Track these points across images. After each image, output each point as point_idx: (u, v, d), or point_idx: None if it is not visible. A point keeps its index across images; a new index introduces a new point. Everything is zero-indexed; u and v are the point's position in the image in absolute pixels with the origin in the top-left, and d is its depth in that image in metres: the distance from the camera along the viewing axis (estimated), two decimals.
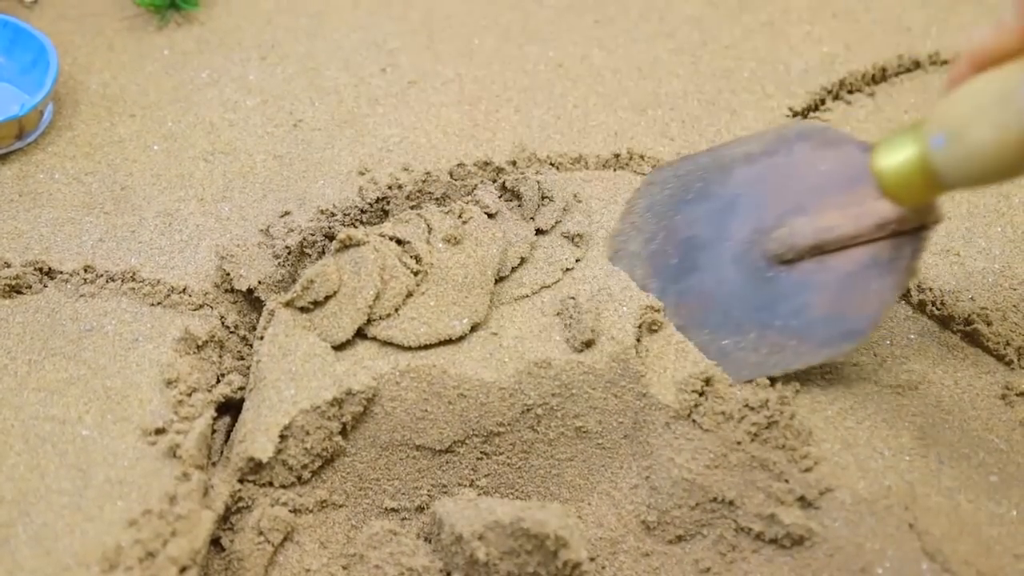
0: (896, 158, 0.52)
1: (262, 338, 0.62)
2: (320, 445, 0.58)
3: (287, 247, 0.68)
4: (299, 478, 0.59)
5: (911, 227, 0.56)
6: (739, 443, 0.56)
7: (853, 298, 0.58)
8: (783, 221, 0.60)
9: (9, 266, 0.67)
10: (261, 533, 0.57)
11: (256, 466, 0.58)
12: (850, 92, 0.83)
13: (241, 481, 0.58)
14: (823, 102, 0.82)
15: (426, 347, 0.61)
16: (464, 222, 0.66)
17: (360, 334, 0.61)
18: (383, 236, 0.64)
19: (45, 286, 0.67)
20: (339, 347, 0.61)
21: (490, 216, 0.67)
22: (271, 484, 0.58)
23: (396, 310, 0.62)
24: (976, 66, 0.50)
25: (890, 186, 0.53)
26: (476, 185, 0.71)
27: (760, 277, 0.61)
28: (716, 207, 0.63)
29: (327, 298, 0.62)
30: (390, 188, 0.73)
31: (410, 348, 0.60)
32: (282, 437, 0.58)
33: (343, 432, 0.59)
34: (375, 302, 0.61)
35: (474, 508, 0.55)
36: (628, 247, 0.66)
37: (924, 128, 0.51)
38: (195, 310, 0.66)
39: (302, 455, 0.58)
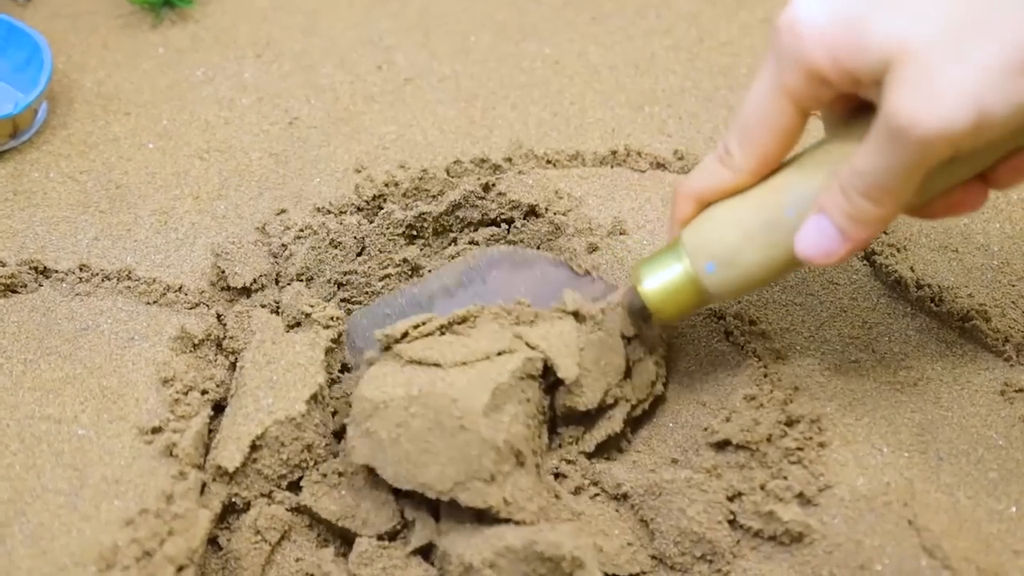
0: (664, 282, 0.56)
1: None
2: (298, 457, 0.58)
3: (283, 245, 0.68)
4: (279, 487, 0.58)
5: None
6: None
7: None
8: None
9: (4, 265, 0.67)
10: (258, 532, 0.56)
11: (225, 474, 0.57)
12: None
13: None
14: None
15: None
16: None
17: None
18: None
19: (40, 285, 0.67)
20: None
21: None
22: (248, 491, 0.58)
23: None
24: (703, 203, 0.54)
25: (658, 306, 0.56)
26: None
27: None
28: None
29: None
30: (386, 186, 0.73)
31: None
32: (255, 447, 0.57)
33: (327, 446, 0.59)
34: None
35: (480, 535, 0.53)
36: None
37: (688, 253, 0.55)
38: (191, 308, 0.66)
39: (279, 465, 0.57)
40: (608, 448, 0.61)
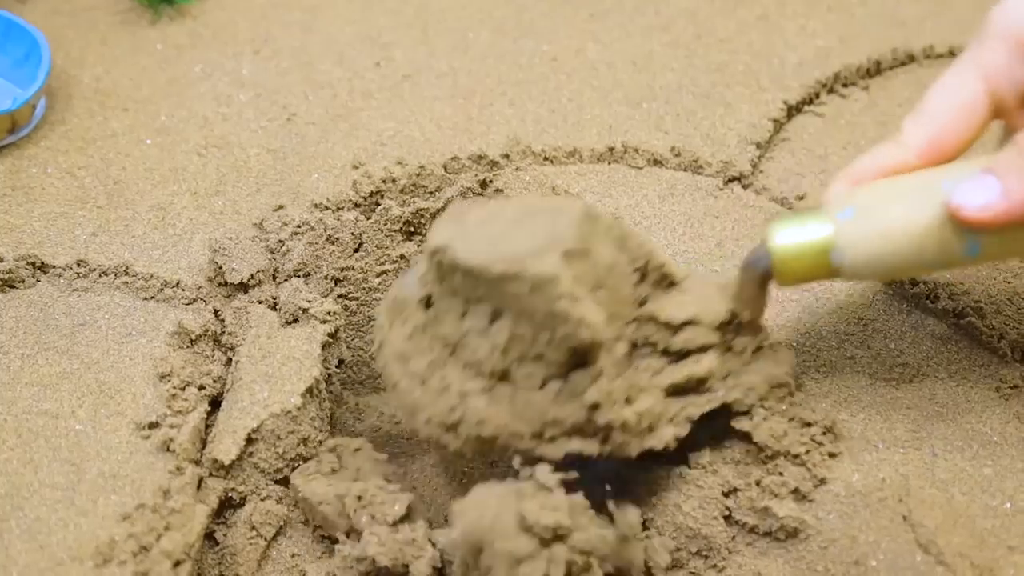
0: (795, 229, 0.51)
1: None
2: (294, 450, 0.58)
3: (280, 241, 0.68)
4: (274, 480, 0.58)
5: None
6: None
7: None
8: None
9: (2, 260, 0.67)
10: (253, 527, 0.57)
11: (221, 468, 0.57)
12: (844, 86, 0.83)
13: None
14: (817, 95, 0.82)
15: None
16: None
17: None
18: None
19: (38, 280, 0.67)
20: None
21: None
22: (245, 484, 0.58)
23: None
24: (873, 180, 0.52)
25: (783, 257, 0.51)
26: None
27: None
28: None
29: None
30: (384, 182, 0.73)
31: None
32: (251, 440, 0.57)
33: (322, 441, 0.59)
34: None
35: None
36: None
37: (828, 209, 0.51)
38: (188, 304, 0.66)
39: (274, 459, 0.57)
40: (687, 392, 0.54)
